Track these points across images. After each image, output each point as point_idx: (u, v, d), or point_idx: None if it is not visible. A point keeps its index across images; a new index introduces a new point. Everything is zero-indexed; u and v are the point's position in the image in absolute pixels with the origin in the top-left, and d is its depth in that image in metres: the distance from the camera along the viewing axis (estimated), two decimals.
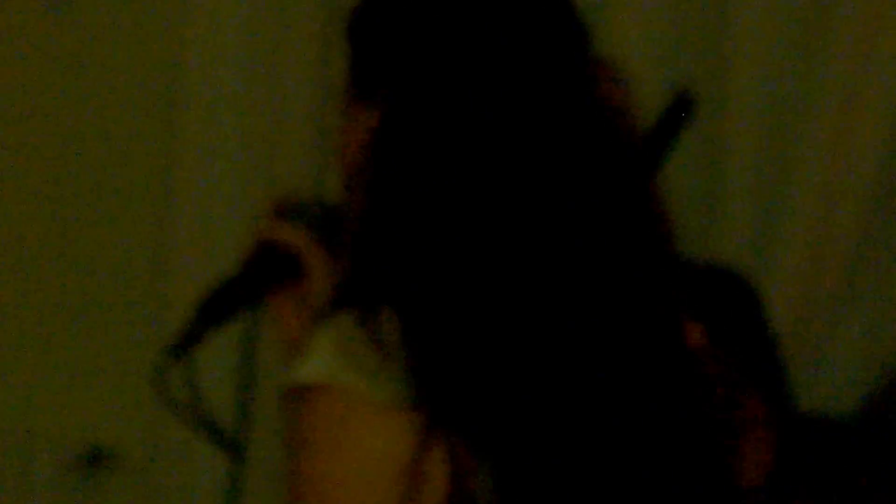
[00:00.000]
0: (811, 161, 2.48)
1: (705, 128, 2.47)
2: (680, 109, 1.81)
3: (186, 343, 1.46)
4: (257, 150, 2.88)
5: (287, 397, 1.26)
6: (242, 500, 1.55)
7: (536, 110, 1.28)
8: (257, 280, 1.50)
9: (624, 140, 1.35)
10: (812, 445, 2.22)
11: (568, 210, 1.26)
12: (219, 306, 1.49)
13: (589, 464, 1.24)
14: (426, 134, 1.27)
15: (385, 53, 1.33)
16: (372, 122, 1.31)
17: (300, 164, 2.85)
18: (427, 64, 1.29)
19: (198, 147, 2.93)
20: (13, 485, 3.04)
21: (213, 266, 2.85)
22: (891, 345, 2.46)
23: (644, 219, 1.33)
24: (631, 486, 1.25)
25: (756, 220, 2.53)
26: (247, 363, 1.57)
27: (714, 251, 2.46)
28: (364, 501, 1.19)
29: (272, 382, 2.61)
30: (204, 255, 2.90)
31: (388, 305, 1.21)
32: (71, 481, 3.02)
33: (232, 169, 2.91)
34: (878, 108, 2.46)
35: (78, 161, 3.11)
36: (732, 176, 2.53)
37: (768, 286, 2.31)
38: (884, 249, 2.49)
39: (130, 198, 3.07)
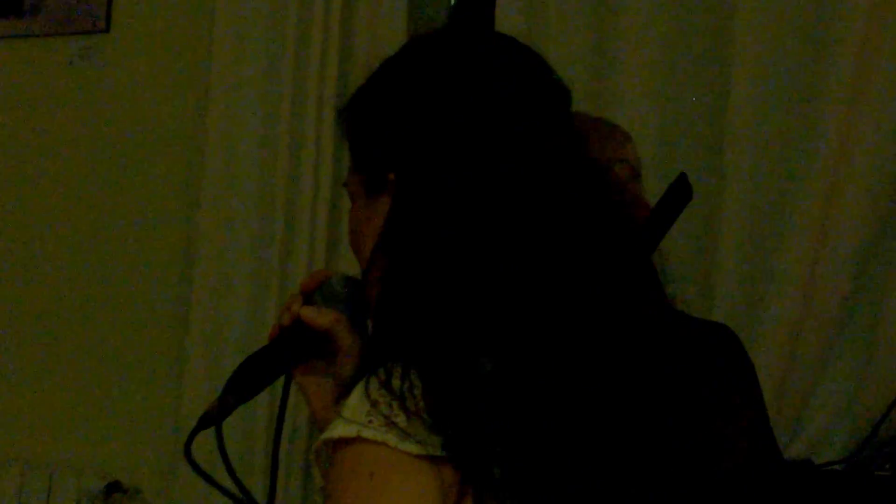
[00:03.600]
0: (799, 231, 2.52)
1: (702, 200, 2.53)
2: (678, 193, 1.86)
3: (217, 415, 1.49)
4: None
5: (319, 454, 1.30)
6: None
7: (534, 175, 1.32)
8: (286, 358, 1.54)
9: (617, 199, 1.39)
10: (798, 490, 2.27)
11: (569, 273, 1.29)
12: (248, 382, 1.52)
13: None
14: (437, 207, 1.31)
15: (387, 143, 1.38)
16: (384, 209, 1.37)
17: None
18: (427, 141, 1.34)
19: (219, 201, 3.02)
20: None
21: (230, 321, 2.96)
22: (869, 398, 2.50)
23: (644, 277, 1.38)
24: None
25: (746, 283, 2.58)
26: (277, 430, 1.61)
27: (706, 312, 2.52)
28: None
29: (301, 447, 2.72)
30: (221, 310, 3.00)
31: (411, 367, 1.23)
32: None
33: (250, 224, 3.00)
34: (863, 184, 2.51)
35: (109, 215, 3.25)
36: (726, 245, 2.58)
37: (756, 346, 2.40)
38: (864, 310, 2.54)
39: (155, 256, 3.19)
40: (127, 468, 3.14)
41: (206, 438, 1.49)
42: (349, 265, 1.61)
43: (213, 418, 1.49)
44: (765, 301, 2.52)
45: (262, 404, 2.82)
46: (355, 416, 1.22)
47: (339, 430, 1.22)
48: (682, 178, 1.88)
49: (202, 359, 2.95)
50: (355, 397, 1.23)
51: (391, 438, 1.19)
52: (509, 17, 2.80)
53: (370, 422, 1.21)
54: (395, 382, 1.22)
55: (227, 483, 1.51)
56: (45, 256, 3.29)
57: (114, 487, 3.11)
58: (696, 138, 2.64)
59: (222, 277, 2.98)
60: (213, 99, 3.02)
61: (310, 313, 1.51)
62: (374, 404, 1.21)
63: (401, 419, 1.20)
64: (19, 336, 3.30)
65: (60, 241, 3.28)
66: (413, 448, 1.19)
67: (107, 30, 3.30)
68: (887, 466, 2.35)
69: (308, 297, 1.56)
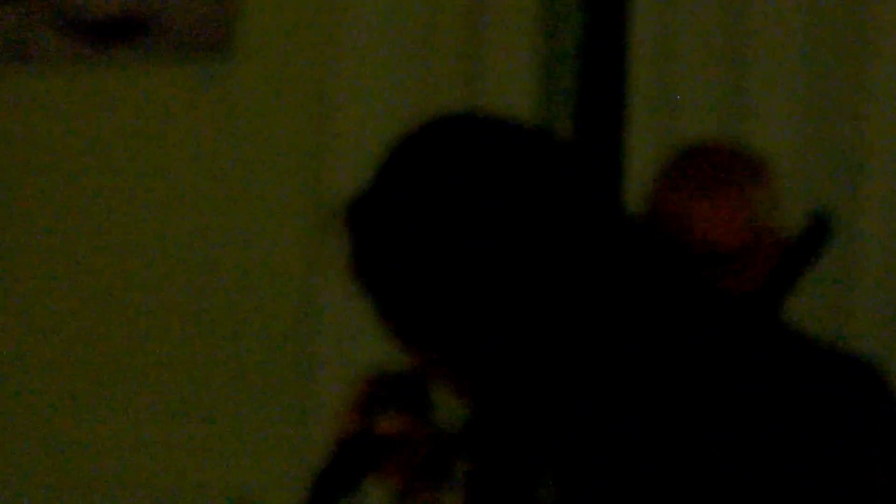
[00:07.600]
0: None
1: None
2: (817, 233, 1.82)
3: None
4: None
5: None
6: None
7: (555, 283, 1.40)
8: (357, 470, 1.57)
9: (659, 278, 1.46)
10: None
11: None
12: (326, 496, 1.56)
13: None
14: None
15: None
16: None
17: None
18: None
19: None
20: None
21: (358, 335, 2.98)
22: None
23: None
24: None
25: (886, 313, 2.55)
26: None
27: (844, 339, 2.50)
28: None
29: None
30: (348, 328, 3.01)
31: None
32: None
33: None
34: None
35: (234, 240, 3.28)
36: (866, 268, 2.56)
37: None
38: None
39: (279, 277, 3.23)
40: (256, 486, 3.15)
41: None
42: None
43: None
44: None
45: None
46: None
47: None
48: (821, 217, 1.81)
49: (330, 376, 2.98)
50: None
51: None
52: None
53: None
54: None
55: None
56: (168, 279, 3.33)
57: None
58: (834, 165, 2.63)
59: (350, 301, 2.96)
60: (338, 126, 3.06)
61: (377, 424, 1.58)
62: None
63: None
64: (143, 352, 3.32)
65: (184, 266, 3.32)
66: None
67: (230, 53, 3.33)
68: None
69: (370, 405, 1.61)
